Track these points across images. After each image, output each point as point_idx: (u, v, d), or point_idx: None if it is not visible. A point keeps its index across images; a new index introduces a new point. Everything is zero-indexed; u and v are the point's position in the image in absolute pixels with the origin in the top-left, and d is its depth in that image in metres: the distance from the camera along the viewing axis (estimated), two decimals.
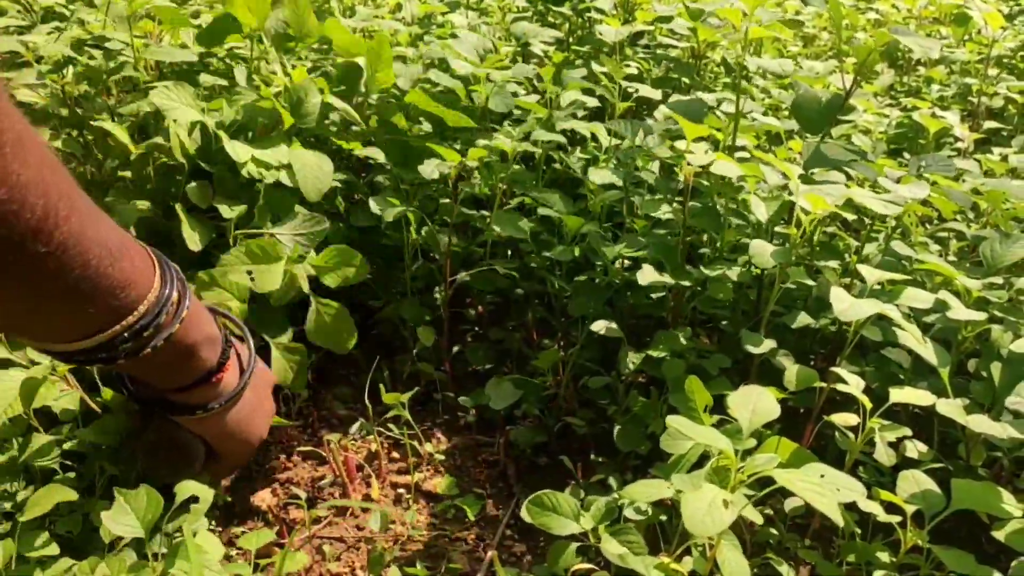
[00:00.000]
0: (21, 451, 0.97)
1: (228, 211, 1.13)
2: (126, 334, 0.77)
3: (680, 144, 1.30)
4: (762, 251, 1.05)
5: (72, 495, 0.85)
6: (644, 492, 0.84)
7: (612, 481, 1.11)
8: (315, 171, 1.18)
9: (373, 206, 1.23)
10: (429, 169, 1.19)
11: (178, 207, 1.11)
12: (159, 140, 1.18)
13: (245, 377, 0.96)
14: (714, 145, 1.41)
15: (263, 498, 1.15)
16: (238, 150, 1.11)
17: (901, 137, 1.80)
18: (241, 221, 1.16)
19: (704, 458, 0.95)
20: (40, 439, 0.96)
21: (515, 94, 1.48)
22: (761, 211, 1.11)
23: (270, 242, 1.12)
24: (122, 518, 0.78)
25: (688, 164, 1.12)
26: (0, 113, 0.59)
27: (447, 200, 1.37)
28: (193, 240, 1.10)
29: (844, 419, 0.99)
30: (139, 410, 0.98)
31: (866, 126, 1.76)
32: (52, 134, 1.77)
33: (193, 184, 1.16)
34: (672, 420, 0.80)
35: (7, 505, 0.97)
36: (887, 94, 2.17)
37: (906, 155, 1.79)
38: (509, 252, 1.49)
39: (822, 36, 2.51)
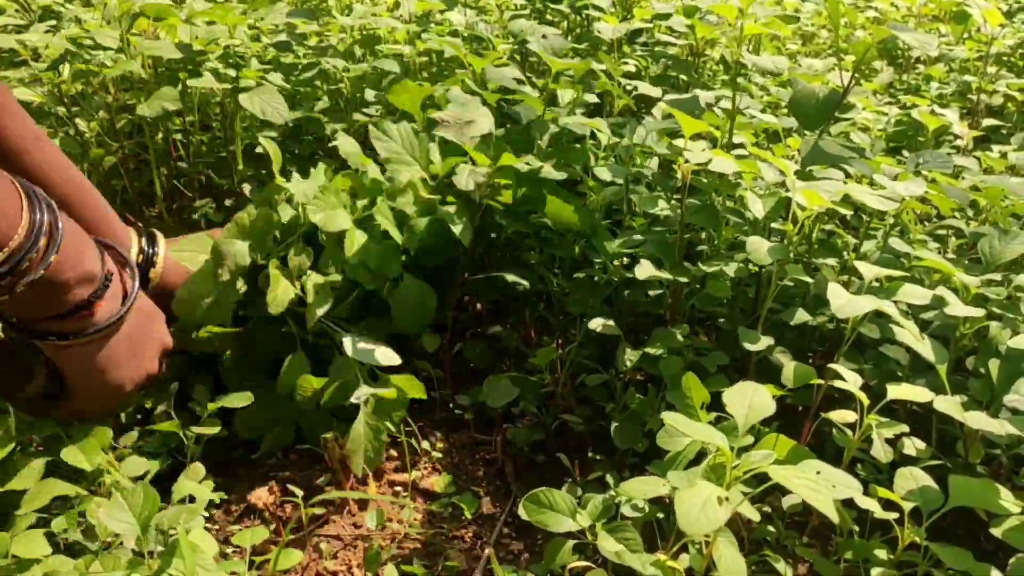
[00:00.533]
0: None
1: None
2: (7, 262, 0.74)
3: (678, 141, 1.30)
4: (759, 248, 1.04)
5: (72, 490, 0.85)
6: (640, 489, 0.83)
7: (609, 479, 1.11)
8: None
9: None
10: (464, 179, 1.17)
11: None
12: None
13: (122, 310, 0.89)
14: (712, 142, 1.41)
15: (260, 496, 1.15)
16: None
17: (900, 135, 1.79)
18: None
19: (701, 455, 0.94)
20: None
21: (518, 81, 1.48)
22: (758, 207, 1.11)
23: None
24: (119, 515, 0.77)
25: (686, 161, 1.12)
26: None
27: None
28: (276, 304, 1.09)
29: (842, 416, 0.99)
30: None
31: (865, 123, 1.75)
32: (49, 131, 1.77)
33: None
34: (668, 417, 0.80)
35: None
36: (886, 92, 2.17)
37: (905, 153, 1.78)
38: (507, 251, 1.48)
39: (821, 34, 2.50)
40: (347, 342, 1.12)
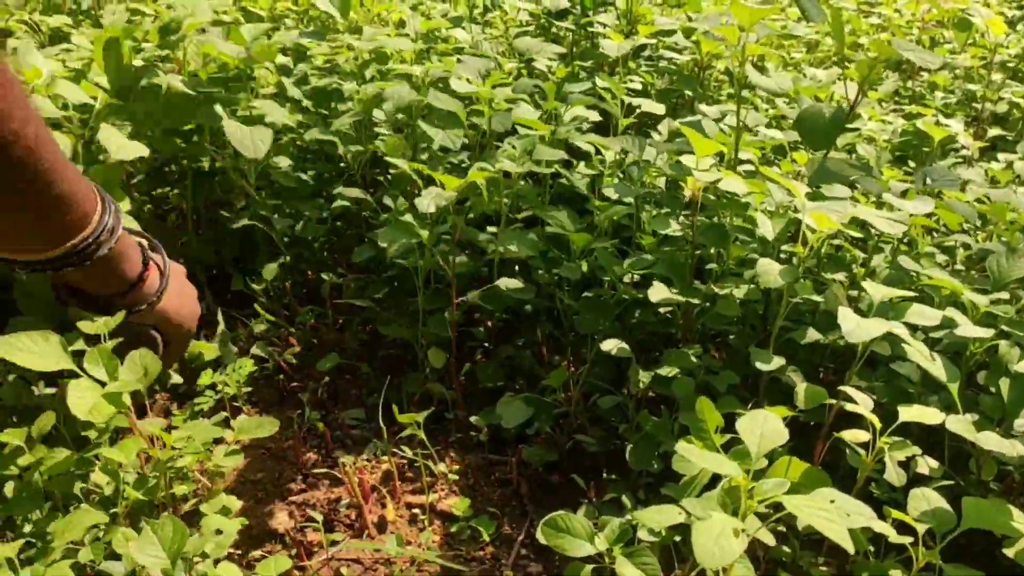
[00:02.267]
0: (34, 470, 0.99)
1: None
2: (90, 239, 0.97)
3: (686, 159, 1.31)
4: (769, 270, 1.06)
5: (104, 518, 0.87)
6: (657, 518, 0.85)
7: (625, 500, 1.12)
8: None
9: (381, 239, 1.24)
10: (426, 202, 1.19)
11: None
12: None
13: (167, 274, 1.15)
14: (719, 158, 1.42)
15: (280, 521, 1.16)
16: None
17: (906, 145, 1.80)
18: None
19: (716, 478, 0.96)
20: (62, 457, 0.98)
21: (518, 101, 1.49)
22: (768, 228, 1.12)
23: None
24: (148, 548, 0.79)
25: (697, 181, 1.13)
26: None
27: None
28: None
29: (855, 436, 1.00)
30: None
31: (870, 134, 1.76)
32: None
33: None
34: (682, 448, 0.81)
35: (27, 528, 0.99)
36: (891, 99, 2.18)
37: (911, 163, 1.79)
38: (516, 267, 1.49)
39: (825, 41, 2.51)
40: None
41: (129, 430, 1.07)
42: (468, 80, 1.34)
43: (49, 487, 1.02)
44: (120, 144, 1.28)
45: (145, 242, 1.18)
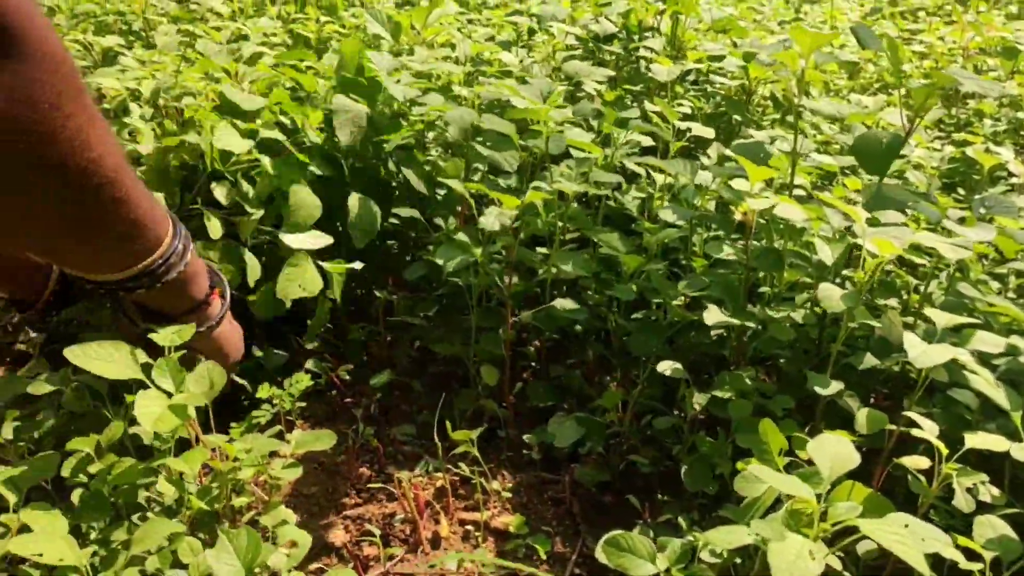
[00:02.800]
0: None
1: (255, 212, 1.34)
2: (160, 261, 1.02)
3: (739, 183, 1.32)
4: (831, 295, 1.06)
5: (180, 528, 0.89)
6: (725, 538, 0.85)
7: (681, 521, 1.13)
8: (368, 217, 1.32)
9: (437, 257, 1.25)
10: (490, 220, 1.22)
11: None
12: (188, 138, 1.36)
13: (227, 302, 1.21)
14: (770, 183, 1.43)
15: (336, 535, 1.17)
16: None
17: (954, 172, 1.80)
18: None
19: (778, 500, 0.96)
20: (129, 465, 1.00)
21: (570, 124, 1.51)
22: (827, 254, 1.12)
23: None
24: (224, 557, 0.80)
25: (752, 208, 1.14)
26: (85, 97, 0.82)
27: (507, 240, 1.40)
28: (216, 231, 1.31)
29: (915, 462, 1.00)
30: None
31: (919, 161, 1.76)
32: None
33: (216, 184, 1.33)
34: (753, 468, 0.82)
35: (93, 535, 1.01)
36: (936, 127, 2.18)
37: (960, 190, 1.79)
38: (564, 287, 1.51)
39: (868, 68, 2.51)
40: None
41: (188, 441, 1.09)
42: (531, 101, 1.35)
43: (114, 495, 1.04)
44: None
45: (213, 268, 1.24)
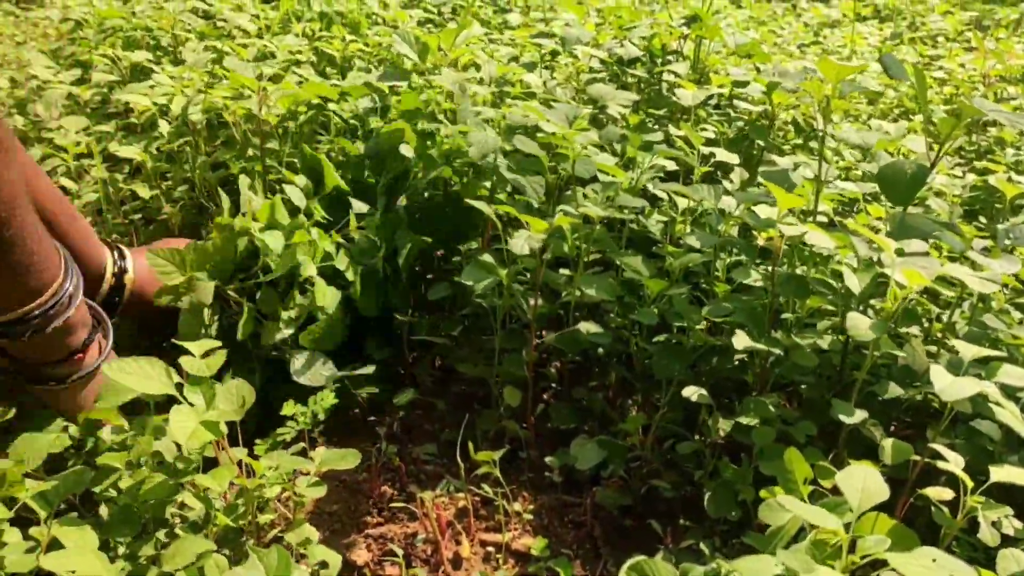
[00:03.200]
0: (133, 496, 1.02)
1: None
2: (38, 312, 0.98)
3: (764, 210, 1.32)
4: (859, 324, 1.06)
5: (211, 545, 0.90)
6: (754, 568, 0.85)
7: (704, 547, 1.13)
8: None
9: (464, 278, 1.27)
10: (520, 244, 1.23)
11: None
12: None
13: (101, 358, 1.15)
14: (794, 210, 1.43)
15: (359, 553, 1.18)
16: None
17: (975, 200, 1.80)
18: None
19: (801, 529, 0.96)
20: (159, 481, 1.02)
21: (594, 147, 1.53)
22: (854, 283, 1.13)
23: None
24: (254, 575, 0.81)
25: (783, 234, 1.15)
26: None
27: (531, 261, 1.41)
28: None
29: (939, 494, 1.00)
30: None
31: (940, 189, 1.77)
32: (145, 187, 1.85)
33: None
34: (781, 498, 0.82)
35: (121, 550, 1.02)
36: (956, 154, 2.18)
37: (981, 218, 1.79)
38: (587, 309, 1.51)
39: (888, 93, 2.52)
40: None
41: (209, 457, 1.11)
42: (558, 126, 1.37)
43: (142, 510, 1.05)
44: None
45: (98, 315, 1.19)
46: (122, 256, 1.39)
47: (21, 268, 0.93)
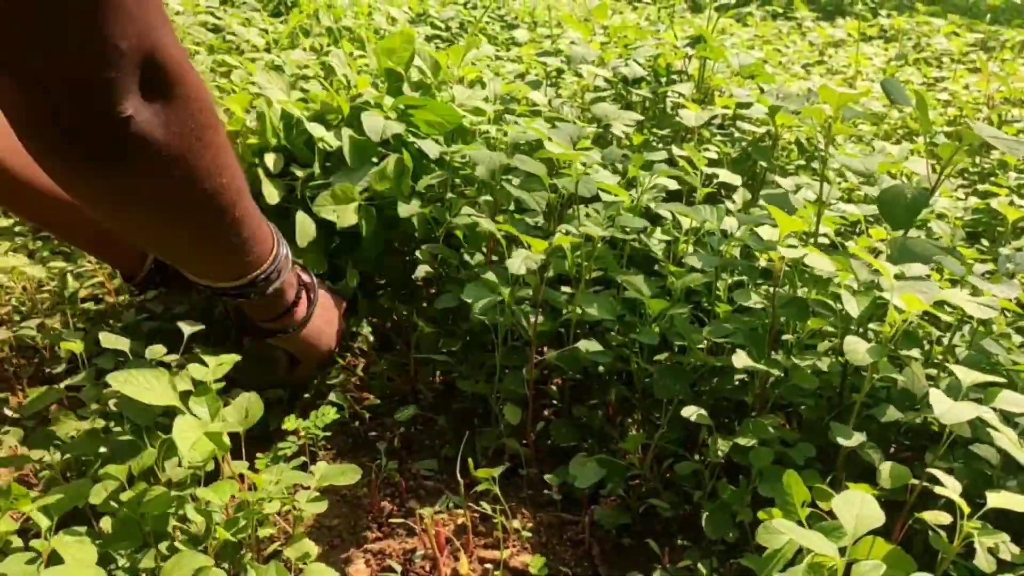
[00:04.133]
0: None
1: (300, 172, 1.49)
2: (263, 275, 1.16)
3: (766, 231, 1.33)
4: (857, 348, 1.07)
5: (209, 561, 0.90)
6: None
7: (701, 567, 1.13)
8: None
9: (465, 296, 1.28)
10: (517, 264, 1.25)
11: (259, 172, 1.47)
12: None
13: (312, 307, 1.35)
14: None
15: (358, 568, 1.19)
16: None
17: (977, 223, 1.81)
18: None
19: (799, 551, 0.96)
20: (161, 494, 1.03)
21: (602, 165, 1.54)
22: (853, 307, 1.13)
23: (348, 187, 1.45)
24: None
25: (781, 257, 1.15)
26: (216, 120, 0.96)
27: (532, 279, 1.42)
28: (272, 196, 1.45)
29: (936, 518, 1.00)
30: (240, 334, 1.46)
31: (942, 211, 1.78)
32: None
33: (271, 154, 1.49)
34: (777, 522, 0.83)
35: (123, 563, 1.03)
36: (960, 175, 2.19)
37: (983, 241, 1.80)
38: (588, 327, 1.52)
39: (892, 114, 2.53)
40: None
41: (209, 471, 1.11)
42: (562, 145, 1.38)
43: (144, 523, 1.06)
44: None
45: (303, 275, 1.37)
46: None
47: (249, 241, 1.10)
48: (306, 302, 1.35)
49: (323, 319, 1.39)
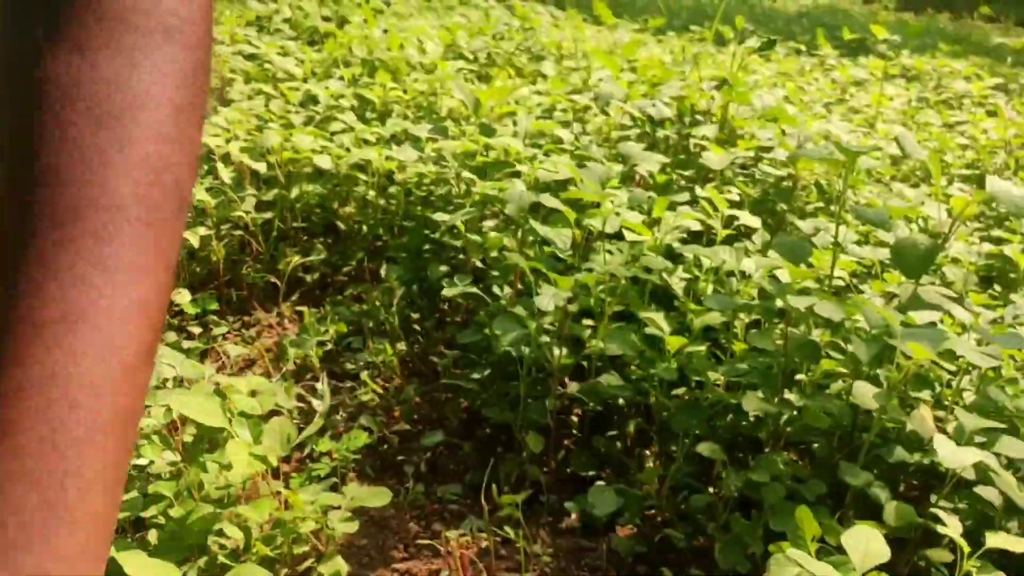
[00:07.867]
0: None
1: None
2: None
3: (782, 273, 1.39)
4: (864, 393, 1.13)
5: (266, 573, 0.97)
6: None
7: None
8: None
9: (495, 328, 1.34)
10: (545, 301, 1.30)
11: None
12: None
13: None
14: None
15: None
16: None
17: (991, 268, 1.86)
18: None
19: None
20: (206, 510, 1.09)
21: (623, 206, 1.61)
22: (862, 352, 1.19)
23: None
24: None
25: (794, 305, 1.21)
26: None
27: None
28: None
29: (939, 556, 1.06)
30: None
31: (956, 256, 1.83)
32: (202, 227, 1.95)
33: None
34: (793, 553, 0.88)
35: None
36: (976, 219, 2.24)
37: (996, 286, 1.85)
38: (609, 359, 1.58)
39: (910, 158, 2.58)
40: None
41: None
42: (591, 185, 1.45)
43: (187, 537, 1.12)
44: None
45: None
46: None
47: None
48: None
49: None
